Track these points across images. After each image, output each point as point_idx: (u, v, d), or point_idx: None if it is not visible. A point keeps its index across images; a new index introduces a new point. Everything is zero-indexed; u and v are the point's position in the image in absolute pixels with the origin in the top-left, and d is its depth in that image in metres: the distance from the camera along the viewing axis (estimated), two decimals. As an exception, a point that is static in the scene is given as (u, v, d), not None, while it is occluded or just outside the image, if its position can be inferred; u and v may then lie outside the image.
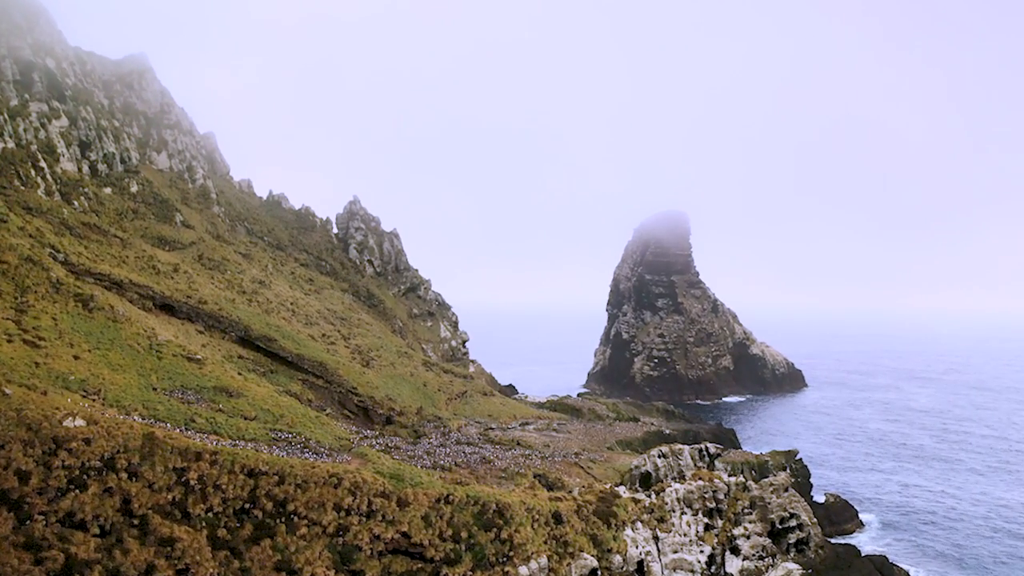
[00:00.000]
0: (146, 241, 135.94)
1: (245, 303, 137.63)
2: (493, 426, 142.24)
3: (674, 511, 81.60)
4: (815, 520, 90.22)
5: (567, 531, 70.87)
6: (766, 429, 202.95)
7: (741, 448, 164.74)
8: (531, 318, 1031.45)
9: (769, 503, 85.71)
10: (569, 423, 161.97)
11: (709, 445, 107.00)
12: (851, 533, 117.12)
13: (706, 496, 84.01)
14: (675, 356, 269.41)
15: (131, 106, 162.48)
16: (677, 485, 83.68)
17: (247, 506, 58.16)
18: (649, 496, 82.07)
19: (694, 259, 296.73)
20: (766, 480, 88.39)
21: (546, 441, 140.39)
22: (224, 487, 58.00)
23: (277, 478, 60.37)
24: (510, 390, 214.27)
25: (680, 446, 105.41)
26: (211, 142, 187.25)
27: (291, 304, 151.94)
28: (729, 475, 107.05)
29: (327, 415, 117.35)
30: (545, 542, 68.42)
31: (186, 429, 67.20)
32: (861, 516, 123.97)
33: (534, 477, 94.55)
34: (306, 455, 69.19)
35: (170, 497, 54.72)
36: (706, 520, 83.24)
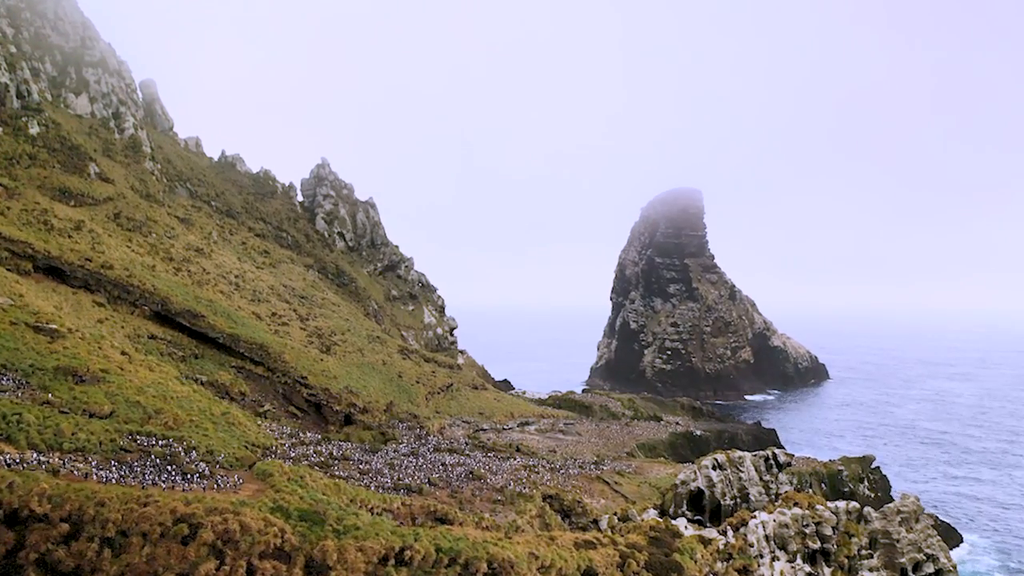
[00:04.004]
0: (43, 192, 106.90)
1: (170, 272, 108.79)
2: (485, 426, 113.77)
3: (762, 556, 53.22)
4: (955, 563, 62.02)
5: (608, 603, 42.42)
6: (806, 430, 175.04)
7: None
8: (516, 316, 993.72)
9: (898, 540, 57.42)
10: (578, 422, 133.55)
11: (777, 452, 78.39)
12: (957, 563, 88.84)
13: (807, 531, 55.59)
14: (690, 347, 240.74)
15: (43, 38, 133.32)
16: (764, 515, 55.21)
17: (-7, 587, 29.68)
18: (724, 534, 53.48)
19: (708, 241, 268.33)
20: (890, 506, 60.10)
21: (552, 445, 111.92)
22: (-55, 550, 29.45)
23: (67, 527, 31.78)
24: (505, 386, 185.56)
25: (740, 453, 76.83)
26: (151, 90, 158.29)
27: (236, 277, 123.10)
28: (795, 488, 79.05)
29: (263, 412, 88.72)
30: (573, 627, 40.04)
31: (-56, 434, 38.38)
32: (964, 539, 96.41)
33: (543, 500, 66.13)
34: (164, 477, 40.57)
35: None
36: (808, 568, 54.96)
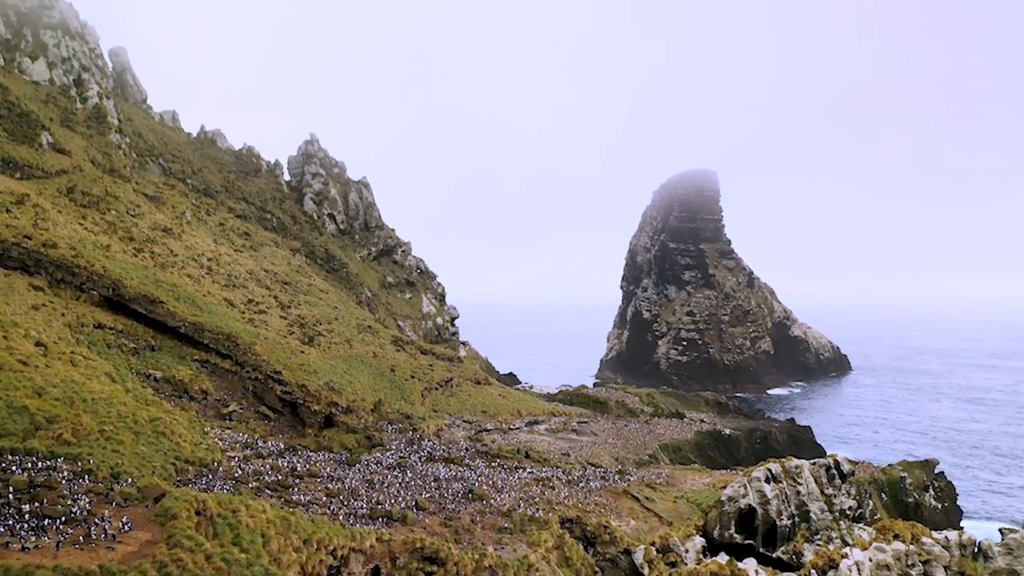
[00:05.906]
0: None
1: (128, 253, 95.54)
2: (488, 427, 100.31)
3: (858, 610, 39.64)
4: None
5: None
6: (840, 427, 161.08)
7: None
8: (519, 309, 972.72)
9: (1029, 584, 43.73)
10: (593, 420, 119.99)
11: (840, 459, 64.93)
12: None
13: (913, 573, 42.18)
14: (707, 338, 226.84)
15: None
16: (858, 553, 41.93)
17: None
18: (808, 581, 40.03)
19: (725, 225, 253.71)
20: (1015, 537, 46.51)
21: (564, 447, 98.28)
22: None
23: None
24: (511, 380, 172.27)
25: (796, 463, 63.82)
26: (121, 59, 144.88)
27: (209, 260, 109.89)
28: (855, 500, 65.59)
29: (228, 414, 75.50)
30: None
31: None
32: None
33: (561, 526, 52.74)
34: (8, 523, 27.21)
35: None
36: (916, 624, 41.29)
